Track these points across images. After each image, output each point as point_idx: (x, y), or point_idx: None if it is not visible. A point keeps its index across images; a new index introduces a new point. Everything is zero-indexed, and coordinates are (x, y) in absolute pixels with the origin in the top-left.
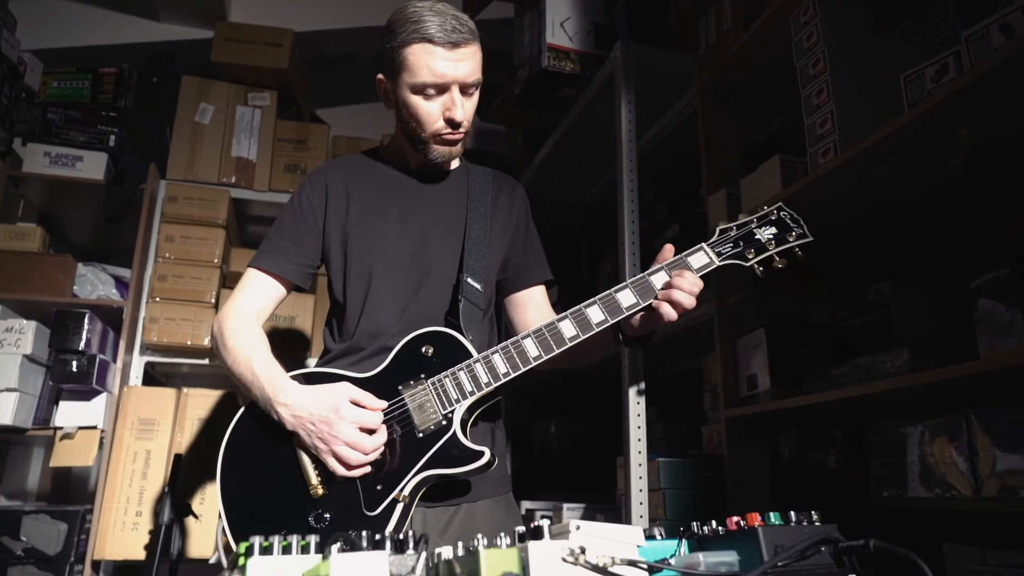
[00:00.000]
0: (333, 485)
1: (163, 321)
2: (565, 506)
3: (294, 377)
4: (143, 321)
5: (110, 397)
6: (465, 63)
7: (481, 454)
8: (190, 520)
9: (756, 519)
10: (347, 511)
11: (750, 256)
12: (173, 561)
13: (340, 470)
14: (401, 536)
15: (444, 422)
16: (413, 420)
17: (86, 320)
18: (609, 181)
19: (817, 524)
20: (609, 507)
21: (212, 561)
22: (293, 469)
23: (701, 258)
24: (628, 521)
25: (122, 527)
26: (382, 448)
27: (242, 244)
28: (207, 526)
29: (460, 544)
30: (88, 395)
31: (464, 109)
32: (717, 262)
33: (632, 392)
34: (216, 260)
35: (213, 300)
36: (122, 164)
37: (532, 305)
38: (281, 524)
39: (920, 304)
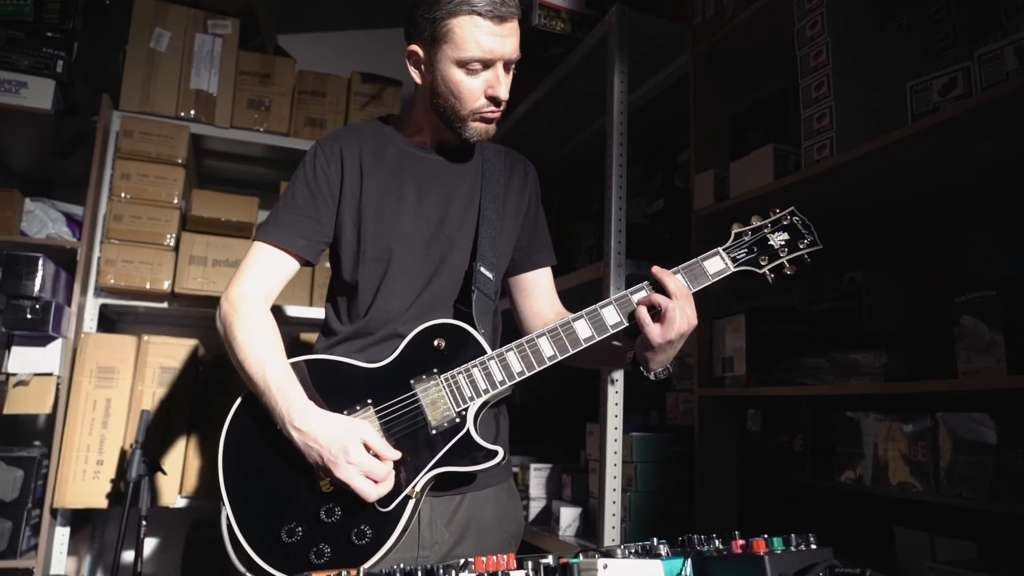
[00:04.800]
0: None
1: (120, 263)
2: (532, 467)
3: (300, 363)
4: (98, 263)
5: (65, 342)
6: (511, 39)
7: (495, 453)
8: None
9: (762, 546)
10: (359, 507)
11: (763, 263)
12: (143, 517)
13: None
14: (430, 567)
15: (458, 419)
16: (426, 416)
17: (40, 264)
18: (586, 136)
19: (814, 547)
20: (575, 468)
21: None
22: (301, 462)
23: (717, 263)
24: (601, 489)
25: (83, 476)
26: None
27: (200, 181)
28: (172, 477)
29: None
30: (43, 341)
31: (506, 86)
32: (732, 268)
33: (611, 392)
34: (176, 201)
35: (172, 243)
36: (73, 94)
37: (538, 290)
38: (290, 518)
39: (890, 295)
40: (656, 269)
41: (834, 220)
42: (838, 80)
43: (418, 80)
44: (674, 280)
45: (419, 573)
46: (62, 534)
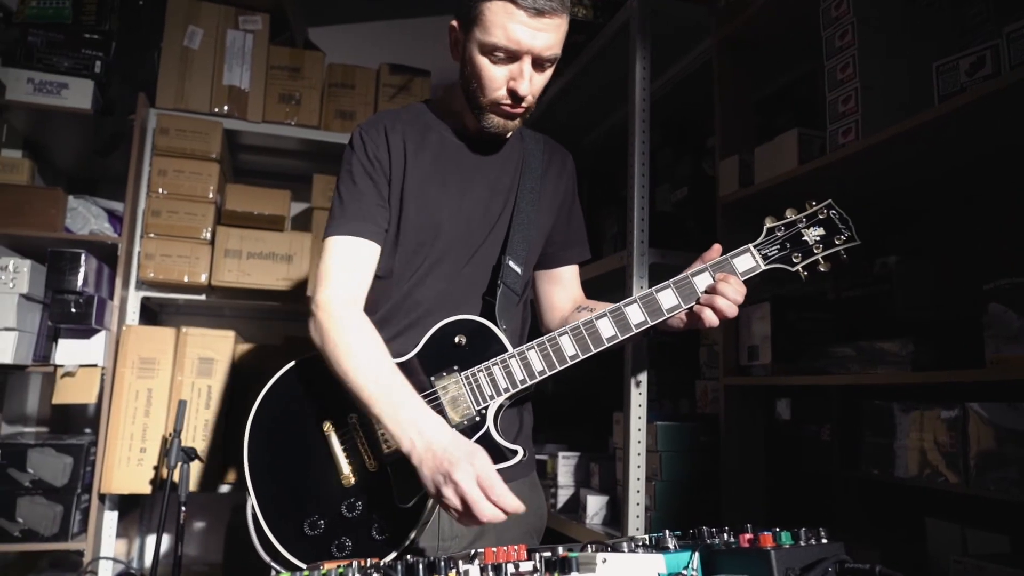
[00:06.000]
0: (365, 476)
1: (159, 257)
2: (560, 455)
3: (315, 359)
4: (138, 257)
5: (109, 335)
6: (545, 34)
7: (514, 453)
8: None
9: (769, 540)
10: (380, 503)
11: (796, 260)
12: (183, 503)
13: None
14: (432, 559)
15: (478, 418)
16: (446, 413)
17: (82, 259)
18: (612, 124)
19: (825, 542)
20: (603, 456)
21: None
22: (324, 456)
23: (747, 261)
24: (625, 478)
25: (127, 462)
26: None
27: (235, 175)
28: (213, 464)
29: None
30: (87, 333)
31: (532, 84)
32: (763, 266)
33: (634, 381)
34: (211, 195)
35: (208, 236)
36: (110, 93)
37: (562, 284)
38: (313, 510)
39: (923, 281)
40: (717, 298)
41: (863, 205)
42: (864, 61)
43: (454, 59)
44: (737, 291)
45: (420, 566)
46: (111, 518)
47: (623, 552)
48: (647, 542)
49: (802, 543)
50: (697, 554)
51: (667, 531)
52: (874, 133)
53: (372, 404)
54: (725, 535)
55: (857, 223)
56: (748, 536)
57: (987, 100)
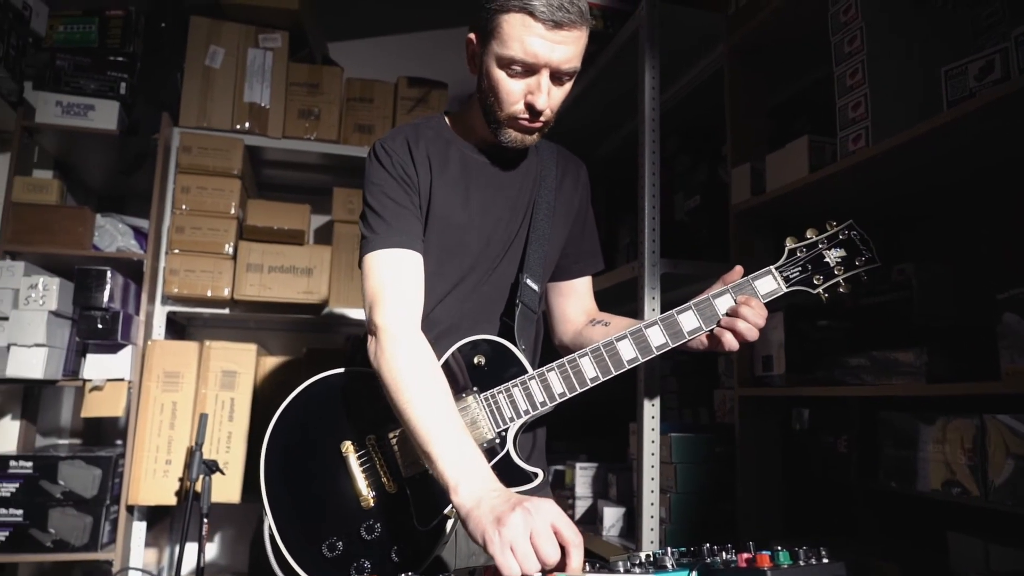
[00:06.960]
0: (384, 497)
1: (183, 273)
2: (578, 466)
3: (334, 376)
4: (163, 273)
5: (135, 349)
6: (564, 47)
7: (535, 475)
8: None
9: (766, 560)
10: (399, 524)
11: (817, 282)
12: (204, 514)
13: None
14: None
15: (498, 440)
16: None
17: (108, 277)
18: (628, 132)
19: (826, 561)
20: (621, 466)
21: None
22: (342, 477)
23: (769, 283)
24: (639, 490)
25: (153, 474)
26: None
27: (258, 190)
28: (237, 476)
29: None
30: (114, 348)
31: (550, 98)
32: (785, 288)
33: (646, 394)
34: (233, 211)
35: (231, 251)
36: (135, 114)
37: (575, 296)
38: (331, 532)
39: (943, 289)
40: (738, 321)
41: (876, 211)
42: (873, 66)
43: (472, 72)
44: (759, 314)
45: None
46: (139, 528)
47: (618, 572)
48: (645, 560)
49: (801, 563)
50: (695, 573)
51: (670, 548)
52: (884, 139)
53: (425, 451)
54: (725, 553)
55: (869, 230)
56: (746, 555)
57: (997, 105)
